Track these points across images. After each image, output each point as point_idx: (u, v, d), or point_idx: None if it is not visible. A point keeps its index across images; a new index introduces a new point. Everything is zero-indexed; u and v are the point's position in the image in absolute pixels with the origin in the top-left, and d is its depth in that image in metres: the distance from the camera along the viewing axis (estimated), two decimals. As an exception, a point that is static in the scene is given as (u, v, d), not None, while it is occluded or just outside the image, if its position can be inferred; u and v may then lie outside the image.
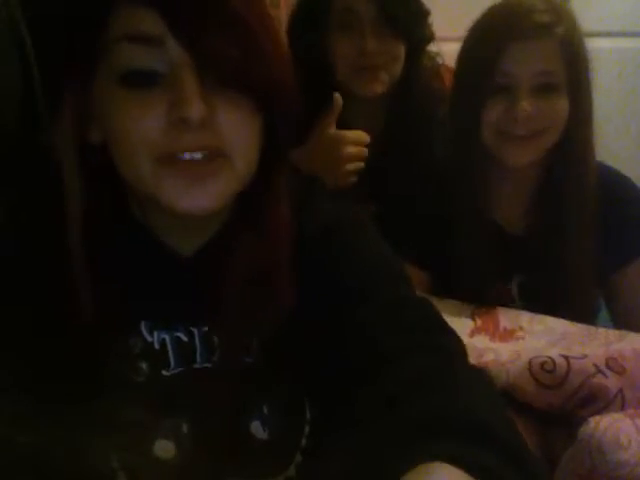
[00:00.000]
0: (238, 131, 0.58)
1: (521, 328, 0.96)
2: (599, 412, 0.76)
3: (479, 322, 0.97)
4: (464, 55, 1.09)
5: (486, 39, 1.03)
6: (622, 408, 0.77)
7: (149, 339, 0.64)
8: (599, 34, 1.11)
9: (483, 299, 1.05)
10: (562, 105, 1.01)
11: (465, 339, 0.87)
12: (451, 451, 0.46)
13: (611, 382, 0.78)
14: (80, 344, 0.59)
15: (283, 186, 0.65)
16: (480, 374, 0.61)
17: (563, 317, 0.99)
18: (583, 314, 1.08)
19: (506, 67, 0.99)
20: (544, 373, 0.80)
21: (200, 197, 0.57)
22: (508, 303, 1.09)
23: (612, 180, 1.11)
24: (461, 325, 0.94)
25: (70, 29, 0.59)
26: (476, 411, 0.51)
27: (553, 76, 0.99)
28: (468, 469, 0.44)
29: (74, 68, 0.59)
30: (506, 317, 0.99)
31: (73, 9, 0.59)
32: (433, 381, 0.54)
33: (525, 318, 0.98)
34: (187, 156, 0.57)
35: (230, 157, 0.58)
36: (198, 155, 0.57)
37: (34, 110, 0.77)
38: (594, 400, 0.78)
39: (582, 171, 1.06)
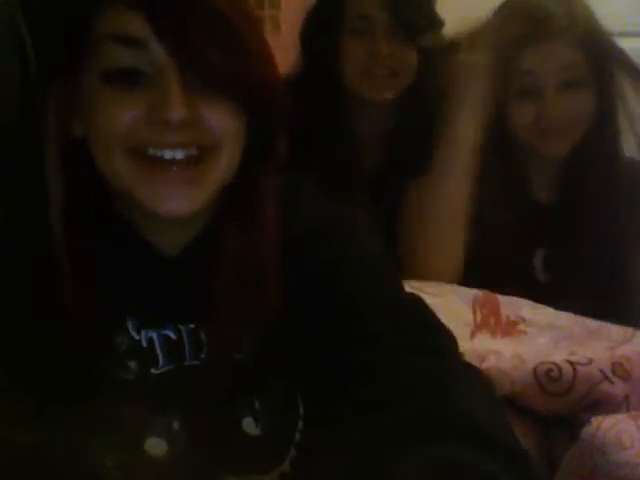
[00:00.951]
0: (221, 128, 0.58)
1: (523, 320, 0.94)
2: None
3: (479, 316, 0.95)
4: None
5: (504, 41, 1.05)
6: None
7: (136, 337, 0.64)
8: (599, 34, 1.12)
9: (507, 272, 1.05)
10: (586, 102, 1.04)
11: (466, 343, 0.88)
12: (450, 454, 0.47)
13: (617, 389, 0.78)
14: (70, 343, 0.59)
15: (270, 185, 0.66)
16: (477, 374, 0.61)
17: (594, 292, 1.02)
18: (615, 287, 1.10)
19: (529, 66, 1.02)
20: (550, 381, 0.79)
21: (182, 201, 0.58)
22: (531, 279, 1.10)
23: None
24: (461, 325, 0.93)
25: (57, 27, 0.60)
26: (474, 414, 0.52)
27: (576, 70, 1.02)
28: (468, 473, 0.45)
29: (60, 64, 0.60)
30: (507, 305, 0.97)
31: (60, 8, 0.60)
32: (431, 383, 0.55)
33: (527, 308, 0.97)
34: (168, 155, 0.57)
35: (213, 152, 0.59)
36: (180, 155, 0.57)
37: (34, 110, 0.77)
38: (599, 407, 0.77)
39: (609, 160, 1.09)
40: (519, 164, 1.13)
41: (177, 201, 0.58)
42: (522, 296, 0.96)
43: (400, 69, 1.18)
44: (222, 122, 0.58)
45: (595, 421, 0.71)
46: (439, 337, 0.61)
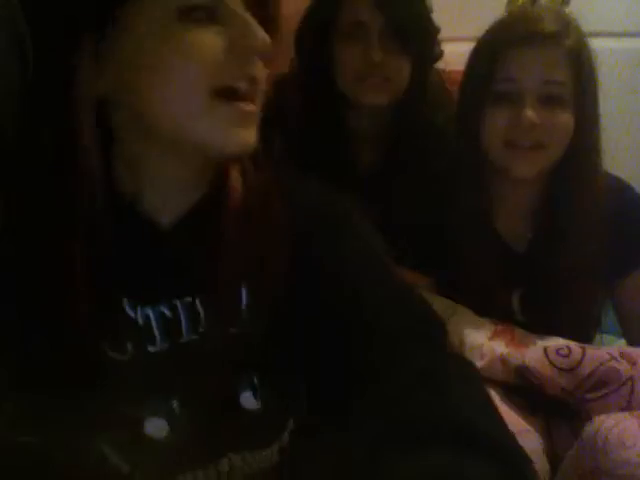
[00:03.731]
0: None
1: (534, 344, 0.94)
2: (609, 395, 0.79)
3: (499, 327, 0.97)
4: (469, 62, 1.08)
5: (491, 45, 1.02)
6: (629, 398, 0.78)
7: (132, 315, 0.63)
8: (599, 34, 1.10)
9: (485, 312, 1.03)
10: (567, 119, 0.99)
11: (484, 341, 0.89)
12: (449, 462, 0.47)
13: (623, 367, 0.80)
14: (70, 327, 0.58)
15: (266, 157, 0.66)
16: (469, 368, 0.61)
17: (563, 331, 0.99)
18: (583, 328, 1.07)
19: (510, 72, 0.98)
20: (559, 357, 0.84)
21: (249, 135, 0.59)
22: (509, 316, 1.08)
23: (617, 191, 1.09)
24: (483, 326, 0.94)
25: None
26: (471, 416, 0.52)
27: (559, 87, 0.98)
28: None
29: (105, 11, 0.57)
30: (520, 334, 0.98)
31: None
32: (430, 384, 0.55)
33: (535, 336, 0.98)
34: (242, 85, 0.58)
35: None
36: (246, 84, 0.59)
37: (34, 110, 0.76)
38: (605, 384, 0.79)
39: (585, 187, 1.04)
40: (490, 199, 1.10)
41: (245, 135, 0.59)
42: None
43: (393, 76, 1.18)
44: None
45: (597, 420, 0.72)
46: (435, 330, 0.62)
